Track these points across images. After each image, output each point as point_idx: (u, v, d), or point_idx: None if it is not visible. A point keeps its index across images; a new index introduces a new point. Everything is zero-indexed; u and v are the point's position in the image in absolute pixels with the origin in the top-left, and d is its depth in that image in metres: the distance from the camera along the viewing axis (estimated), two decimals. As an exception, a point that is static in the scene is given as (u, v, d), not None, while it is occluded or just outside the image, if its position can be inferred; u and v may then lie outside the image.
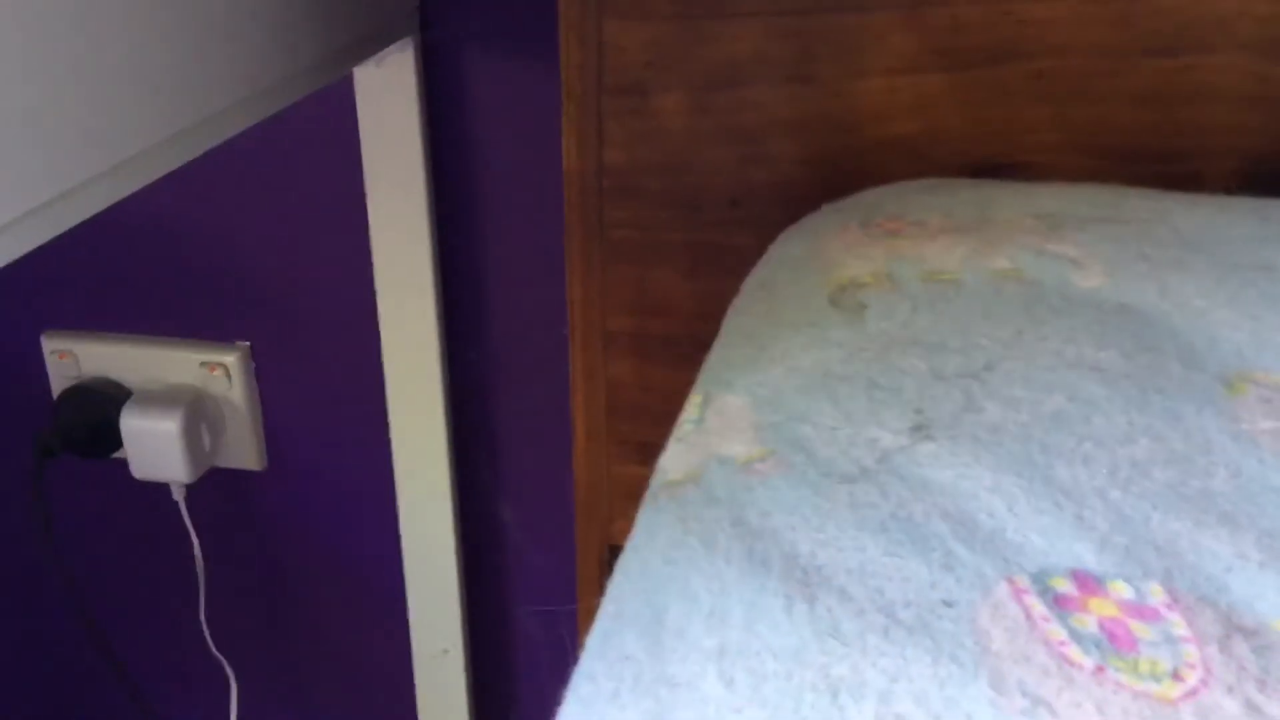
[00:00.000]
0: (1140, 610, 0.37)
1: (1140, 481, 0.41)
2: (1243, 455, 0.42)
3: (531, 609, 1.08)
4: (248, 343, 1.04)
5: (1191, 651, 0.35)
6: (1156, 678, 0.34)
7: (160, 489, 1.08)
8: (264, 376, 1.05)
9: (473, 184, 0.94)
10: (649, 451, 0.75)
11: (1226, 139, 0.67)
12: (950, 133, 0.69)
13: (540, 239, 0.94)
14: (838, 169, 0.70)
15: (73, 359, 1.06)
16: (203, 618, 1.12)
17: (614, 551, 0.80)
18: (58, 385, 1.06)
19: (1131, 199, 0.61)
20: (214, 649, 1.14)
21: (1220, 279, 0.52)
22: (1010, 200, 0.61)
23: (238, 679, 1.16)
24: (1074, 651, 0.35)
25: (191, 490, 1.08)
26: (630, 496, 0.80)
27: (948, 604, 0.37)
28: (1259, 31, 0.65)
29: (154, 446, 1.02)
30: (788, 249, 0.62)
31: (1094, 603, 0.37)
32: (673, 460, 0.48)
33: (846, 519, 0.41)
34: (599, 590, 0.84)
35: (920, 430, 0.45)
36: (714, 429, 0.48)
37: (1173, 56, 0.66)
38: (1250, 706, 0.33)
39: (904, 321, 0.51)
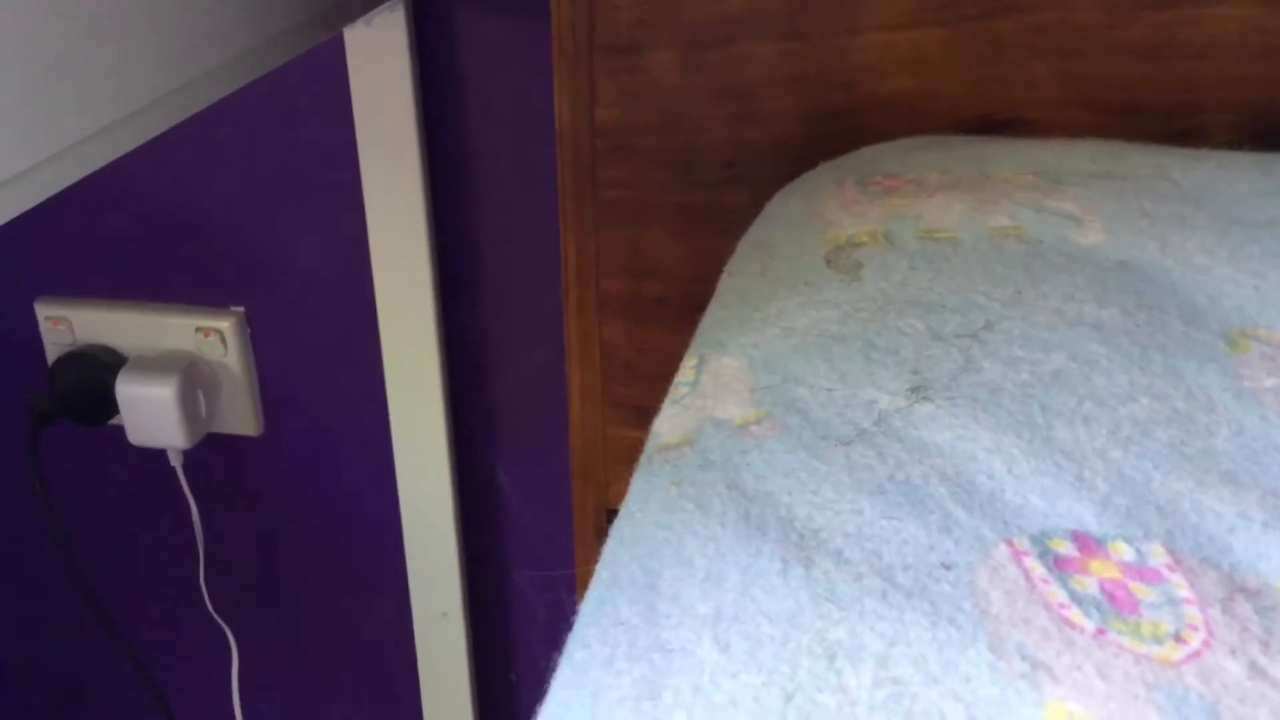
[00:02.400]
0: (1142, 572, 0.36)
1: (1141, 441, 0.41)
2: (1245, 413, 0.42)
3: (529, 572, 1.08)
4: (242, 308, 1.03)
5: (1194, 613, 0.34)
6: (1158, 640, 0.34)
7: (157, 455, 1.08)
8: (259, 341, 1.04)
9: (466, 145, 0.93)
10: (644, 414, 0.74)
11: (1229, 93, 0.66)
12: (948, 89, 0.68)
13: (534, 200, 0.93)
14: (833, 127, 0.69)
15: (67, 326, 1.05)
16: (202, 583, 1.12)
17: (611, 514, 0.80)
18: (52, 352, 1.06)
19: (1132, 154, 0.60)
20: (214, 613, 1.14)
21: (1222, 235, 0.51)
22: (1009, 157, 0.61)
23: (238, 643, 1.16)
24: (1074, 614, 0.35)
25: (188, 456, 1.07)
26: (626, 459, 0.80)
27: (946, 567, 0.37)
28: (1262, -18, 0.64)
29: (150, 412, 1.02)
30: (783, 208, 0.61)
31: (1095, 564, 0.36)
32: (667, 423, 0.47)
33: (843, 482, 0.41)
34: (596, 553, 0.83)
35: (918, 391, 0.44)
36: (709, 391, 0.48)
37: (1173, 9, 0.65)
38: (1254, 668, 0.32)
39: (901, 281, 0.50)
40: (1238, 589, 0.35)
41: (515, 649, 1.12)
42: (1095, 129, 0.67)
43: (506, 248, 0.96)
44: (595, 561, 0.43)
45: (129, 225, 1.02)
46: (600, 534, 0.80)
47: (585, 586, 0.42)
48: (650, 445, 0.47)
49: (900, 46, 0.68)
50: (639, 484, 0.44)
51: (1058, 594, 0.35)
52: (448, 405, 1.00)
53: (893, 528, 0.38)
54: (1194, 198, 0.55)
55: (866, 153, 0.65)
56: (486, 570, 1.09)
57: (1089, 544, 0.37)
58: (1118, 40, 0.66)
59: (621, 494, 0.46)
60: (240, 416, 1.07)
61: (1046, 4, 0.66)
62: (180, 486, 1.08)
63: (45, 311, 1.05)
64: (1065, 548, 0.37)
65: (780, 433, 0.44)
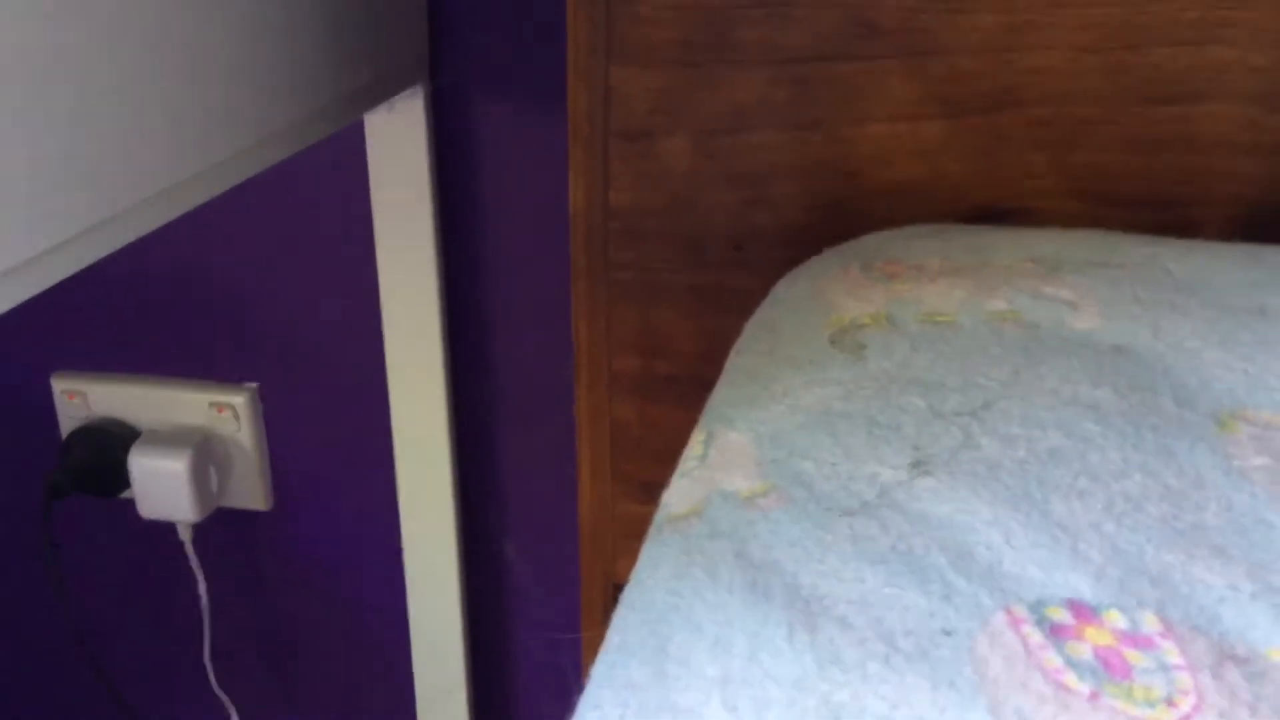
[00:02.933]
0: (1135, 639, 0.37)
1: (1134, 515, 0.42)
2: (1234, 490, 0.43)
3: (536, 636, 1.08)
4: (256, 384, 1.05)
5: (1185, 678, 0.36)
6: (1151, 703, 0.35)
7: (167, 528, 1.09)
8: (271, 417, 1.06)
9: (480, 226, 0.95)
10: (652, 490, 0.75)
11: (1222, 186, 0.68)
12: (950, 178, 0.70)
13: (546, 280, 0.95)
14: (839, 213, 0.72)
15: (82, 399, 1.07)
16: (207, 657, 1.13)
17: (618, 589, 0.81)
18: (67, 425, 1.07)
19: (1126, 244, 0.62)
20: (217, 688, 1.14)
21: (1213, 321, 0.53)
22: (1008, 245, 0.63)
23: (241, 718, 1.16)
24: (1070, 678, 0.36)
25: (198, 530, 1.08)
26: (634, 535, 0.81)
27: (947, 633, 0.38)
28: (1253, 82, 0.66)
29: (162, 486, 1.03)
30: (790, 291, 0.63)
31: (1089, 631, 0.38)
32: (676, 495, 0.49)
33: (847, 551, 0.42)
34: (603, 628, 0.84)
35: (919, 466, 0.46)
36: (717, 464, 0.49)
37: (1169, 105, 0.67)
38: (1241, 732, 0.34)
39: (903, 361, 0.52)
40: (1227, 656, 0.36)
41: (518, 728, 1.12)
42: (1092, 219, 0.69)
43: (518, 326, 0.98)
44: (602, 635, 0.44)
45: (145, 301, 1.04)
46: (607, 609, 0.81)
47: (592, 660, 0.43)
48: (660, 516, 0.48)
49: (904, 138, 0.70)
50: (649, 552, 0.46)
51: (1054, 659, 0.37)
52: (456, 483, 1.01)
53: (895, 595, 0.40)
54: (1187, 286, 0.57)
55: (871, 239, 0.67)
56: (492, 647, 1.09)
57: (1084, 612, 0.38)
58: (1115, 135, 0.68)
59: (628, 569, 0.47)
60: (250, 491, 1.08)
61: (1045, 99, 0.68)
62: (188, 560, 1.09)
63: (61, 385, 1.07)
64: (1061, 615, 0.38)
65: (786, 504, 0.45)
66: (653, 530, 0.48)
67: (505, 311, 0.97)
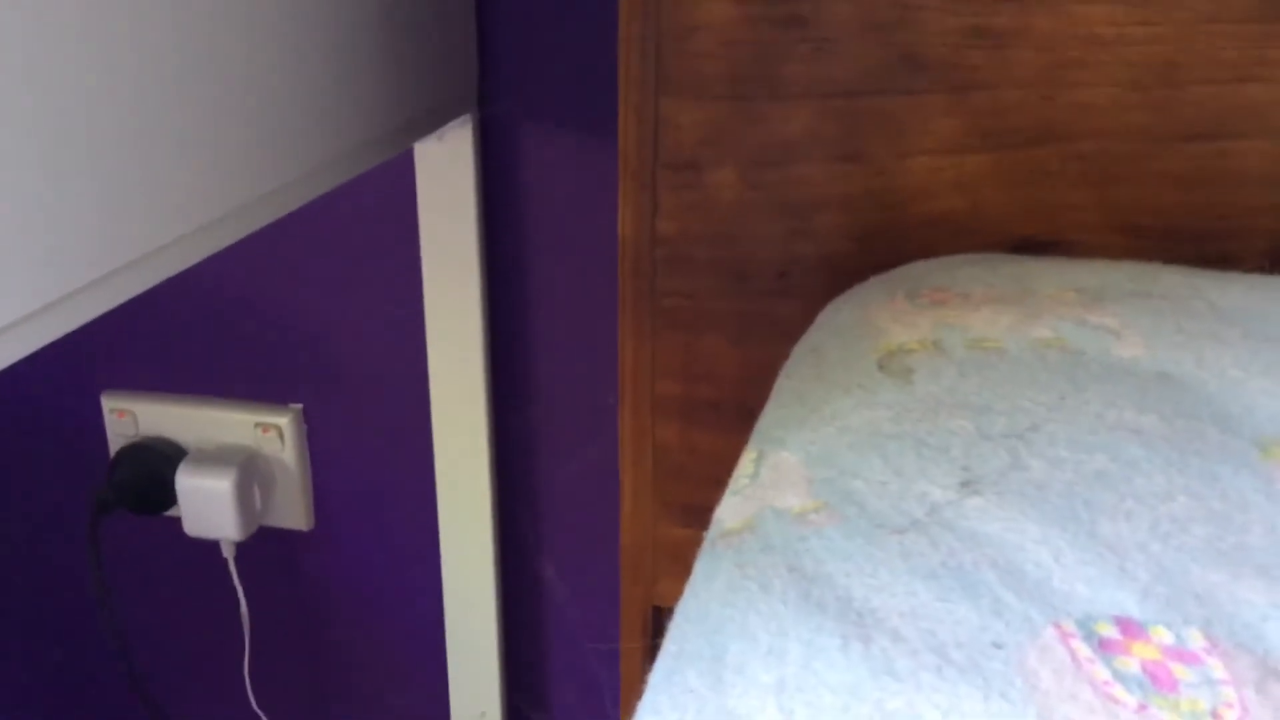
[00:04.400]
0: (1181, 654, 0.38)
1: (1180, 536, 0.43)
2: (1277, 513, 0.44)
3: (573, 645, 1.09)
4: (300, 405, 1.07)
5: (1229, 693, 0.37)
6: (1196, 716, 0.36)
7: (210, 546, 1.11)
8: (315, 438, 1.08)
9: (525, 252, 0.97)
10: (693, 514, 0.77)
11: (1260, 220, 0.69)
12: (993, 211, 0.72)
13: (589, 306, 0.97)
14: (883, 244, 0.73)
15: (131, 418, 1.09)
16: (246, 674, 1.14)
17: (658, 611, 0.82)
18: (116, 443, 1.09)
19: (1167, 275, 0.63)
20: (255, 706, 1.16)
21: (1255, 351, 0.54)
22: (1051, 274, 0.64)
23: (278, 737, 1.17)
24: (1118, 691, 0.37)
25: (241, 548, 1.10)
26: (674, 558, 0.82)
27: (997, 646, 0.39)
28: (1290, 119, 0.68)
29: (207, 505, 1.05)
30: (837, 317, 0.65)
31: (1136, 646, 0.39)
32: (729, 511, 0.50)
33: (898, 566, 0.43)
34: (641, 650, 0.86)
35: (968, 486, 0.47)
36: (768, 483, 0.51)
37: (1208, 142, 0.69)
38: (1287, 744, 0.35)
39: (950, 385, 0.54)
40: (1270, 672, 0.37)
41: (551, 751, 1.13)
42: (1133, 252, 0.70)
43: (560, 351, 0.99)
44: (641, 656, 0.45)
45: (194, 324, 1.06)
46: (646, 630, 0.82)
47: (631, 685, 0.44)
48: (713, 532, 0.50)
49: (946, 171, 0.72)
50: (703, 566, 0.47)
51: (1102, 672, 0.38)
52: (495, 505, 1.02)
53: (946, 609, 0.41)
54: (1227, 317, 0.58)
55: (916, 267, 0.68)
56: (528, 670, 1.10)
57: (1131, 628, 0.40)
58: (1154, 170, 0.70)
59: (668, 591, 0.48)
60: (292, 511, 1.10)
61: (1087, 134, 0.70)
62: (231, 578, 1.11)
63: (110, 404, 1.09)
64: (1109, 631, 0.40)
65: (837, 521, 0.47)
66: (705, 545, 0.49)
67: (548, 336, 0.99)
